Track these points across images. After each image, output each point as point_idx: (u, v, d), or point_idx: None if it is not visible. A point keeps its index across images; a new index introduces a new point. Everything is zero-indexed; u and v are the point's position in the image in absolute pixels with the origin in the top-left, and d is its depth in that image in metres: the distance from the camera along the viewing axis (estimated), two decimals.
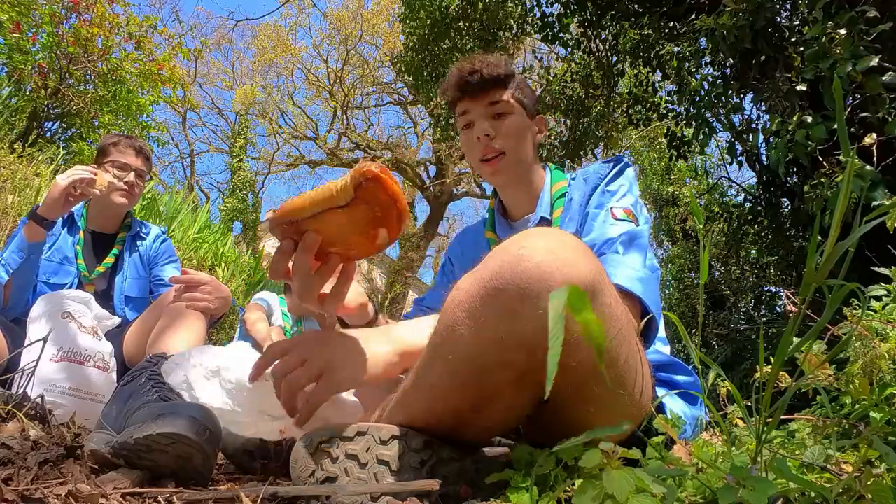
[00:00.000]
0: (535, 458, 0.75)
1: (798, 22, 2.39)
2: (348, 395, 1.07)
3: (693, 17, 3.11)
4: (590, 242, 1.11)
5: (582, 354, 0.69)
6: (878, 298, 1.20)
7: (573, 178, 1.29)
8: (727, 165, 7.00)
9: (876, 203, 1.96)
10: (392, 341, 0.88)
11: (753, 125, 3.56)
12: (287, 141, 16.14)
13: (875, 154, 2.12)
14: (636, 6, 3.67)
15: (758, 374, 0.86)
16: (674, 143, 5.52)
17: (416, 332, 0.88)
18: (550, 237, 0.69)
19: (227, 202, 11.26)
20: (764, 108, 3.66)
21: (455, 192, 15.41)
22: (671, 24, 3.61)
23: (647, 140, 8.62)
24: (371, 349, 0.85)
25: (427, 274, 18.33)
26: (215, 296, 1.58)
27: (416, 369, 0.81)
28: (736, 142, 4.01)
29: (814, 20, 2.30)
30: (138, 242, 2.11)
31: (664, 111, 5.65)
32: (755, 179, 5.25)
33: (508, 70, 1.25)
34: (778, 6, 2.38)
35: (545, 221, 1.25)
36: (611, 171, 1.23)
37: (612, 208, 1.15)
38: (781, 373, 1.08)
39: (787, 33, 2.42)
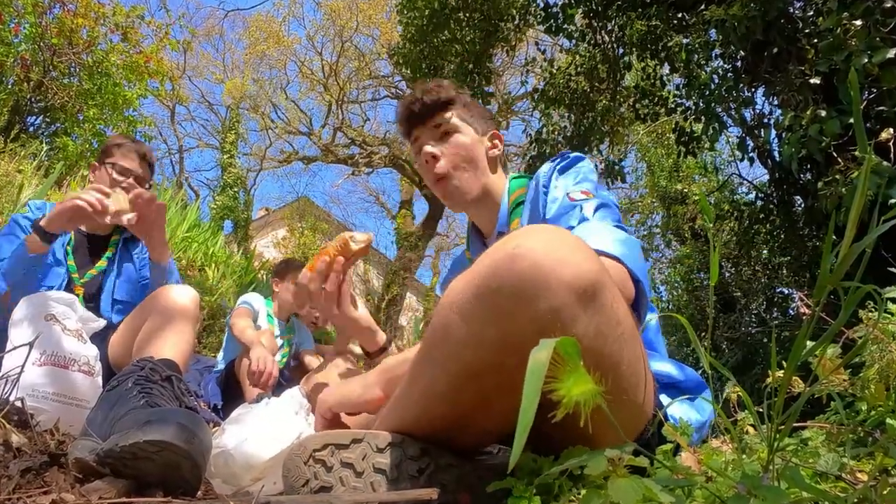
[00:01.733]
0: (538, 465, 0.75)
1: (812, 12, 2.39)
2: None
3: (702, 7, 3.11)
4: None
5: (584, 359, 0.69)
6: (894, 301, 1.20)
7: (533, 181, 1.30)
8: (738, 162, 7.02)
9: (893, 201, 1.96)
10: (377, 369, 1.03)
11: (765, 120, 3.57)
12: (280, 136, 16.12)
13: (892, 150, 2.13)
14: None
15: (770, 379, 0.86)
16: (682, 139, 5.53)
17: (401, 357, 1.02)
18: (546, 235, 0.68)
19: (218, 200, 11.23)
20: (776, 102, 3.67)
21: None
22: (679, 15, 3.62)
23: (654, 136, 8.64)
24: (355, 380, 1.05)
25: (426, 275, 18.25)
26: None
27: (409, 373, 0.82)
28: (747, 137, 4.01)
29: (828, 11, 2.29)
30: (131, 245, 2.10)
31: (672, 105, 5.65)
32: (767, 177, 5.26)
33: (449, 93, 1.32)
34: None
35: (502, 236, 1.26)
36: (559, 164, 1.24)
37: (568, 194, 1.15)
38: (794, 378, 1.09)
39: (801, 24, 2.42)
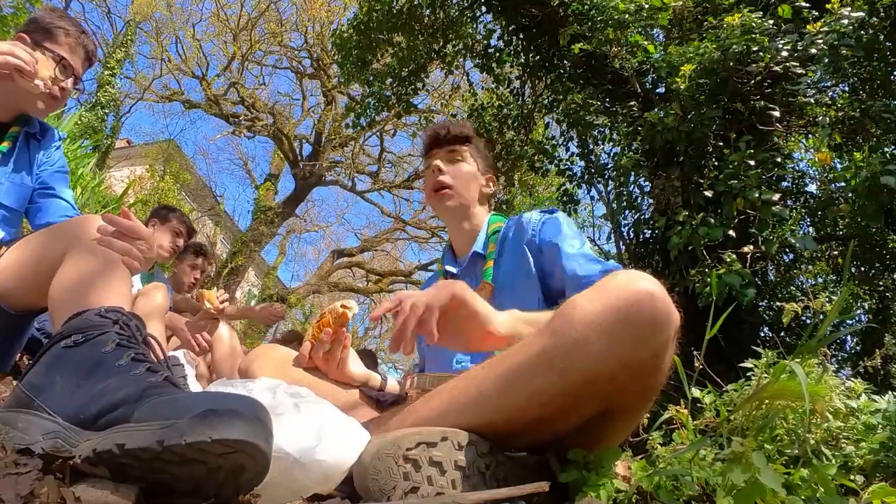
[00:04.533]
0: (588, 459, 0.86)
1: (721, 143, 2.95)
2: None
3: (632, 102, 3.60)
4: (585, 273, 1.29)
5: (662, 378, 0.88)
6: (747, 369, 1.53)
7: (511, 221, 1.54)
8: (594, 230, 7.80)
9: (747, 299, 2.53)
10: (511, 319, 1.06)
11: (644, 210, 4.12)
12: (170, 71, 14.45)
13: (748, 261, 2.73)
14: (589, 75, 4.08)
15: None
16: (563, 198, 6.18)
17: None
18: (656, 282, 0.85)
19: (85, 117, 9.65)
20: (652, 195, 4.30)
21: (325, 178, 15.16)
22: (607, 99, 4.12)
23: (544, 185, 9.29)
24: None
25: (272, 252, 17.08)
26: (147, 257, 1.20)
27: (506, 377, 0.86)
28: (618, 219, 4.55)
29: (736, 147, 2.91)
30: (33, 145, 1.72)
31: (563, 168, 6.27)
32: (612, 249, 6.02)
33: (470, 133, 1.60)
34: (715, 122, 2.92)
35: (478, 256, 1.52)
36: (554, 217, 1.47)
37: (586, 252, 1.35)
38: (685, 412, 1.38)
39: (711, 149, 2.98)
